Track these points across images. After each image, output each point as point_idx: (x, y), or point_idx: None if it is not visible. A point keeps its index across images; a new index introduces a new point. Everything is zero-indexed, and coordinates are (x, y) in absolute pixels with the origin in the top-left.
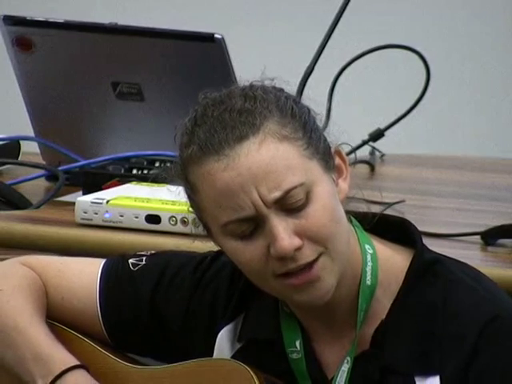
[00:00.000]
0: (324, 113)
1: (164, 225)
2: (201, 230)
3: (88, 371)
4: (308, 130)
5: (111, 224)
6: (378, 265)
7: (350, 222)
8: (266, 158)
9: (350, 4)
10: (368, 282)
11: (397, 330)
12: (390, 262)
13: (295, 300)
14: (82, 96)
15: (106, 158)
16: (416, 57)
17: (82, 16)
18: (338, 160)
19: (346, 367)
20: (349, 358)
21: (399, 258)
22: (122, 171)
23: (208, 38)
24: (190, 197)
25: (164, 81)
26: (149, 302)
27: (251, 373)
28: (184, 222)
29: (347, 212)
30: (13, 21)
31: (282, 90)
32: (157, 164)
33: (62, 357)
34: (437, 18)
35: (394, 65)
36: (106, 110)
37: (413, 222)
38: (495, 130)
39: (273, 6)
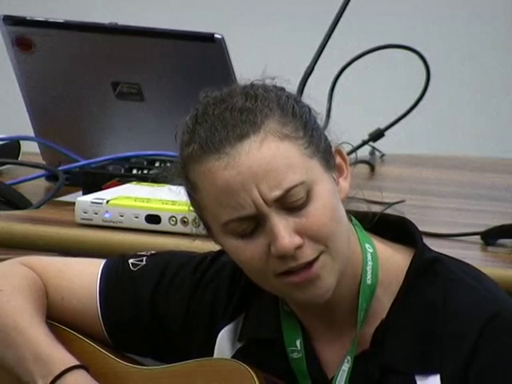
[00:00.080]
0: (324, 113)
1: (164, 225)
2: (201, 229)
3: (88, 371)
4: (309, 129)
5: (111, 224)
6: (378, 264)
7: (351, 221)
8: (267, 157)
9: (350, 4)
10: (368, 282)
11: (397, 330)
12: (391, 261)
13: (295, 298)
14: (82, 96)
15: (106, 157)
16: (416, 57)
17: (82, 16)
18: (338, 159)
19: (346, 366)
20: (349, 358)
21: (399, 257)
22: (122, 171)
23: (208, 38)
24: (190, 195)
25: (164, 81)
26: (149, 302)
27: (251, 372)
28: (184, 221)
29: (347, 211)
30: (13, 21)
31: (283, 89)
32: (157, 164)
33: (62, 357)
34: (437, 18)
35: (393, 65)
36: (105, 110)
37: (413, 222)
38: (495, 130)
39: (273, 6)
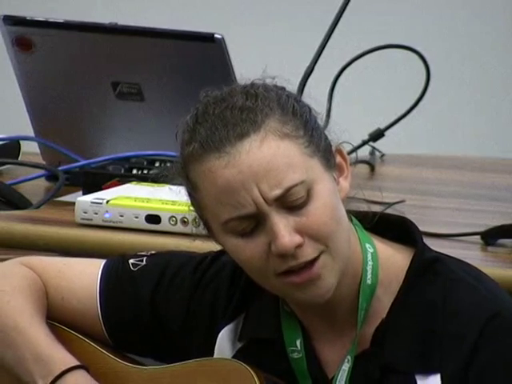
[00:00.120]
0: (324, 113)
1: (164, 225)
2: (201, 229)
3: (88, 371)
4: (309, 128)
5: (111, 224)
6: (378, 264)
7: (351, 221)
8: (267, 156)
9: (350, 4)
10: (368, 281)
11: (397, 329)
12: (391, 260)
13: (296, 298)
14: (82, 96)
15: (106, 157)
16: (416, 57)
17: (82, 16)
18: (339, 158)
19: (346, 366)
20: (349, 357)
21: (400, 256)
22: (122, 171)
23: (208, 38)
24: (190, 195)
25: (164, 81)
26: (149, 302)
27: (252, 372)
28: (184, 221)
29: (348, 211)
30: (13, 21)
31: (283, 88)
32: (157, 164)
33: (62, 357)
34: (437, 18)
35: (393, 65)
36: (105, 110)
37: (413, 221)
38: (495, 130)
39: (273, 6)
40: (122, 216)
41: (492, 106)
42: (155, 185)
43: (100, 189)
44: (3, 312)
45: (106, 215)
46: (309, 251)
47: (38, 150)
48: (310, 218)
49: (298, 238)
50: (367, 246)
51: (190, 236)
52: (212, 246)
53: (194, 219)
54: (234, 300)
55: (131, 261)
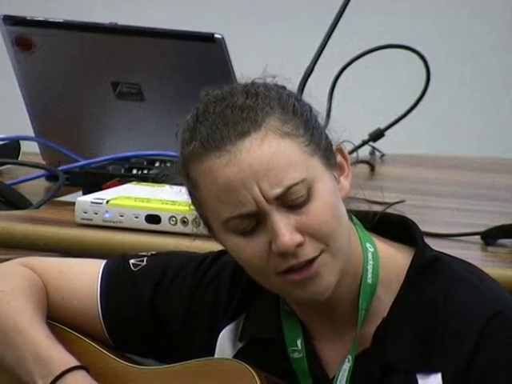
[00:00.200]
0: (324, 113)
1: (164, 225)
2: (201, 229)
3: (88, 372)
4: (309, 127)
5: (111, 224)
6: (379, 263)
7: (351, 220)
8: (268, 154)
9: (350, 4)
10: (369, 281)
11: (398, 328)
12: (391, 260)
13: (296, 296)
14: (82, 96)
15: (106, 158)
16: (416, 57)
17: (82, 16)
18: (339, 158)
19: (347, 366)
20: (350, 357)
21: (400, 256)
22: (122, 171)
23: (208, 38)
24: (191, 194)
25: (164, 81)
26: (150, 303)
27: (253, 372)
28: (184, 221)
29: (348, 211)
30: (13, 21)
31: (283, 87)
32: (157, 164)
33: (62, 357)
34: (437, 18)
35: (393, 65)
36: (105, 109)
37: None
38: (495, 130)
39: (273, 6)
40: (122, 216)
41: (492, 106)
42: (155, 185)
43: (100, 189)
44: (3, 312)
45: (106, 215)
46: (309, 250)
47: (38, 150)
48: (311, 217)
49: (298, 237)
50: (368, 245)
51: (190, 236)
52: (212, 246)
53: (194, 219)
54: (234, 300)
55: (132, 261)
